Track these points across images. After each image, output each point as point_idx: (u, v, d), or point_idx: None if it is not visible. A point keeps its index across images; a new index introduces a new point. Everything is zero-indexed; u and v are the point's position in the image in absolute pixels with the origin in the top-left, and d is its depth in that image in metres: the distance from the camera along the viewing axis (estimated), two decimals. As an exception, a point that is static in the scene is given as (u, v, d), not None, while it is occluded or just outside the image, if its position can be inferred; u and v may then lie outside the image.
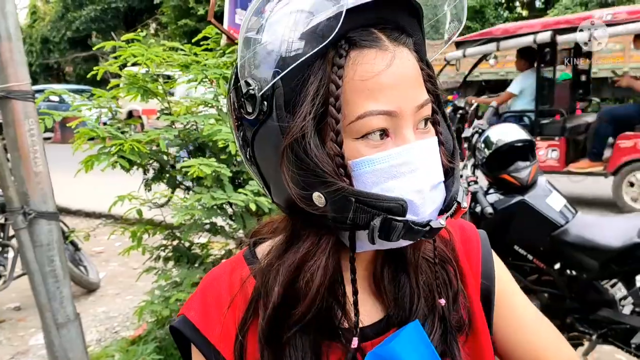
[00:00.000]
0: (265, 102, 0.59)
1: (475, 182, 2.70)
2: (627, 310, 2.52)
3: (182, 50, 2.64)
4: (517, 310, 0.80)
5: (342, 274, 0.66)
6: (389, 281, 0.71)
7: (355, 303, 0.65)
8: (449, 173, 0.66)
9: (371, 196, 0.58)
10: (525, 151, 2.67)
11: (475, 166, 2.85)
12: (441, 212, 0.65)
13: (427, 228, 0.60)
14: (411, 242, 0.63)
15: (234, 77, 0.65)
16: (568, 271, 2.62)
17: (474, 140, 2.88)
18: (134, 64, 2.44)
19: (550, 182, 2.72)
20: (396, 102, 0.59)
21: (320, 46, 0.56)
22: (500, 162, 2.67)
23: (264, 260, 0.69)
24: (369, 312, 0.70)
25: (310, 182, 0.58)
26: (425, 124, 0.64)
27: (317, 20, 0.56)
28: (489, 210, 2.45)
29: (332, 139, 0.58)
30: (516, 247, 2.68)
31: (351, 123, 0.59)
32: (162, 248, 2.88)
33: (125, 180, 2.76)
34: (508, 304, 0.79)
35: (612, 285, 2.56)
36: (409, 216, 0.59)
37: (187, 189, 2.83)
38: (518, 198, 2.61)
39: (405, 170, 0.60)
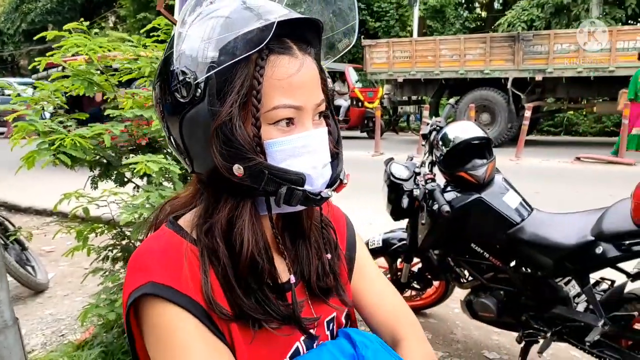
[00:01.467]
0: (199, 89, 0.73)
1: (433, 180, 2.67)
2: (580, 307, 2.54)
3: (129, 41, 2.51)
4: (368, 275, 1.05)
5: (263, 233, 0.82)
6: (289, 243, 0.92)
7: (283, 251, 0.88)
8: (334, 157, 0.87)
9: (280, 170, 0.76)
10: (482, 149, 2.65)
11: (432, 163, 2.82)
12: (328, 186, 0.84)
13: (319, 197, 0.80)
14: (305, 207, 0.82)
15: (162, 66, 0.80)
16: (523, 269, 2.61)
17: (431, 137, 2.85)
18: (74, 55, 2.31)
19: (507, 179, 2.71)
20: (302, 99, 0.77)
21: (255, 50, 0.72)
22: (457, 159, 2.65)
23: (194, 225, 0.83)
24: (281, 270, 0.86)
25: (233, 156, 0.74)
26: (319, 117, 0.83)
27: (252, 27, 0.72)
28: (446, 208, 2.41)
29: (253, 123, 0.75)
30: (473, 245, 2.66)
31: (267, 112, 0.76)
32: (110, 248, 2.75)
33: (78, 176, 2.62)
34: (362, 271, 1.05)
35: (566, 283, 2.57)
36: (306, 187, 0.78)
37: (137, 186, 2.72)
38: (475, 196, 2.59)
39: (305, 151, 0.79)
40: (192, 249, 0.81)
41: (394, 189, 2.83)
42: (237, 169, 0.74)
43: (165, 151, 2.63)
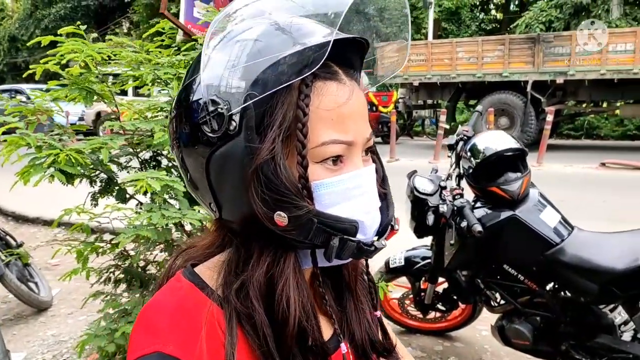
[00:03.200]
0: (233, 122, 0.61)
1: (461, 195, 2.44)
2: (627, 336, 2.30)
3: (131, 46, 2.32)
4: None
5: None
6: (333, 298, 0.77)
7: (330, 313, 0.72)
8: (382, 198, 0.74)
9: (331, 217, 0.64)
10: (515, 161, 2.42)
11: (460, 177, 2.59)
12: (378, 234, 0.71)
13: (373, 248, 0.68)
14: (353, 259, 0.70)
15: (183, 94, 0.67)
16: (562, 293, 2.37)
17: (458, 148, 2.62)
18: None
19: (544, 194, 2.47)
20: (353, 133, 0.65)
21: (305, 75, 0.61)
22: (488, 173, 2.42)
23: (220, 282, 0.68)
24: (324, 328, 0.71)
25: (276, 202, 0.61)
26: (367, 153, 0.71)
27: (298, 47, 0.61)
28: (478, 228, 2.18)
29: (299, 162, 0.63)
30: (505, 266, 2.43)
31: (314, 148, 0.63)
32: (112, 269, 2.56)
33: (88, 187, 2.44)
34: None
35: (612, 310, 2.32)
36: (359, 236, 0.66)
37: (140, 203, 2.52)
38: (509, 213, 2.35)
39: (357, 193, 0.67)
40: (217, 312, 0.65)
41: (418, 204, 2.60)
42: (280, 218, 0.62)
43: (168, 165, 2.43)
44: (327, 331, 0.73)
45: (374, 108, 14.39)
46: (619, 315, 2.31)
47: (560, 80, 10.85)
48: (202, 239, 0.78)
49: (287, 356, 0.64)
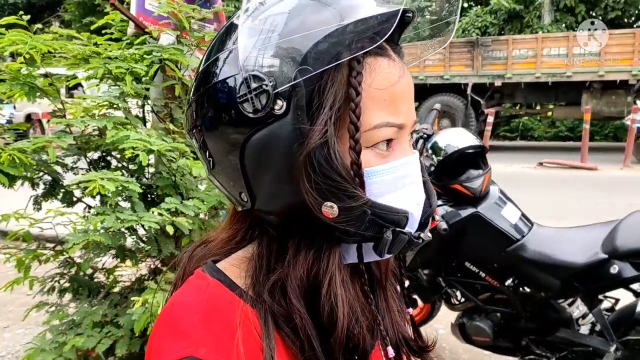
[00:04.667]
0: (279, 101, 0.54)
1: (424, 194, 2.42)
2: (585, 330, 2.34)
3: (78, 39, 2.17)
4: None
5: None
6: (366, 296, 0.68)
7: (375, 315, 0.64)
8: (423, 187, 0.67)
9: (385, 208, 0.58)
10: (476, 158, 2.43)
11: (421, 175, 2.57)
12: (420, 225, 0.65)
13: (420, 240, 0.62)
14: (405, 252, 0.64)
15: (209, 70, 0.60)
16: (522, 289, 2.40)
17: (418, 146, 2.61)
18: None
19: (504, 191, 2.50)
20: (405, 115, 0.60)
21: (371, 47, 0.55)
22: (450, 170, 2.41)
23: (251, 279, 0.61)
24: None
25: (328, 192, 0.56)
26: (412, 137, 0.65)
27: (362, 16, 0.55)
28: (444, 225, 2.17)
29: (351, 147, 0.56)
30: (467, 264, 2.43)
31: (366, 131, 0.57)
32: (57, 278, 2.38)
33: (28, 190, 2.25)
34: None
35: (570, 304, 2.36)
36: (407, 228, 0.61)
37: (88, 206, 2.36)
38: (471, 210, 2.36)
39: (407, 182, 0.61)
40: (250, 313, 0.58)
41: (380, 203, 2.57)
42: (328, 209, 0.56)
43: (118, 166, 2.29)
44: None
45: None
46: (577, 309, 2.35)
47: (498, 82, 11.22)
48: (220, 232, 0.70)
49: None
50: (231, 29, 0.61)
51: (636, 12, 17.09)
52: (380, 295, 0.72)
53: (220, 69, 0.59)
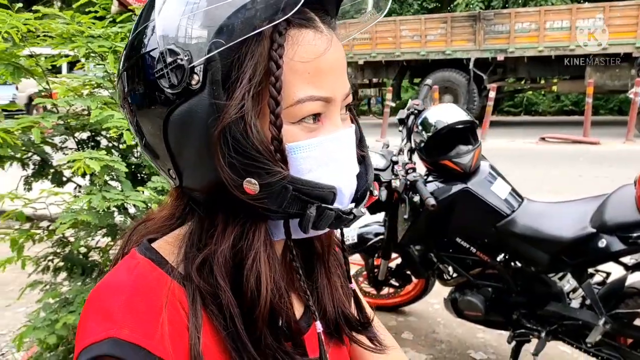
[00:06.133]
0: (195, 76, 0.53)
1: (414, 170, 2.42)
2: (575, 304, 2.34)
3: (61, 17, 2.15)
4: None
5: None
6: (305, 272, 0.69)
7: (304, 290, 0.64)
8: (361, 161, 0.67)
9: (308, 184, 0.57)
10: (466, 134, 2.42)
11: (412, 151, 2.56)
12: (355, 201, 0.64)
13: (352, 216, 0.61)
14: (328, 230, 0.62)
15: (133, 45, 0.58)
16: (513, 263, 2.41)
17: (409, 122, 2.59)
18: None
19: (494, 166, 2.48)
20: (332, 88, 0.58)
21: (280, 20, 0.53)
22: (440, 146, 2.40)
23: (181, 256, 0.60)
24: (294, 305, 0.66)
25: (246, 168, 0.55)
26: (346, 111, 0.64)
27: None
28: (432, 201, 2.17)
29: (272, 122, 0.55)
30: (458, 239, 2.44)
31: (289, 107, 0.56)
32: (51, 257, 2.40)
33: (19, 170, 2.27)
34: None
35: (560, 278, 2.36)
36: (336, 204, 0.60)
37: (79, 186, 2.37)
38: (461, 186, 2.35)
39: (335, 157, 0.60)
40: (178, 291, 0.58)
41: (371, 180, 2.56)
42: (250, 185, 0.55)
43: (108, 146, 2.29)
44: (299, 309, 0.68)
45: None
46: (568, 283, 2.35)
47: (500, 57, 11.08)
48: (161, 210, 0.70)
49: (257, 337, 0.58)
50: None
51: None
52: (321, 271, 0.71)
53: (142, 43, 0.57)
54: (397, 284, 3.06)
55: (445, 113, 2.45)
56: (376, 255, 2.96)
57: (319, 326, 0.63)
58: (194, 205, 0.63)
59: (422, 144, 2.45)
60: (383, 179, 2.52)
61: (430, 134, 2.40)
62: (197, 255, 0.59)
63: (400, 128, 2.67)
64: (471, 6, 16.29)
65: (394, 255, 2.87)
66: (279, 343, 0.60)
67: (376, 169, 2.55)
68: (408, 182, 2.36)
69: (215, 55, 0.53)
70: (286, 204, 0.56)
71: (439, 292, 3.10)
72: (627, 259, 2.23)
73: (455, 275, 2.60)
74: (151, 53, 0.55)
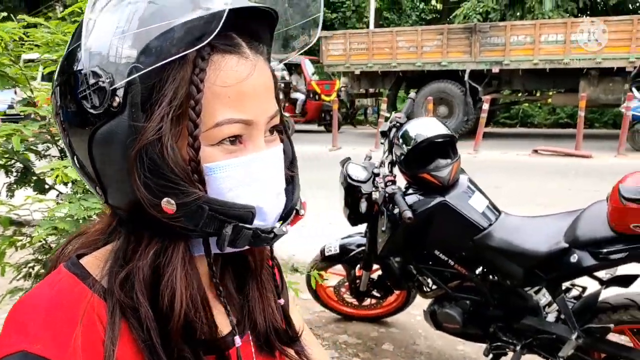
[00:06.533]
0: (117, 98, 0.55)
1: (394, 182, 2.45)
2: (551, 317, 2.37)
3: (46, 27, 2.18)
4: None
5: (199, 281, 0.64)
6: (235, 287, 0.72)
7: (225, 305, 0.66)
8: (289, 181, 0.70)
9: (224, 204, 0.59)
10: (446, 147, 2.45)
11: (392, 164, 2.59)
12: (281, 219, 0.67)
13: (272, 235, 0.64)
14: (255, 247, 0.65)
15: (65, 63, 0.60)
16: (491, 277, 2.43)
17: (391, 135, 2.62)
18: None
19: (472, 180, 2.51)
20: (253, 111, 0.60)
21: (198, 46, 0.55)
22: (419, 159, 2.43)
23: (106, 271, 0.62)
24: (220, 320, 0.66)
25: (162, 188, 0.57)
26: (272, 132, 0.66)
27: (192, 16, 0.55)
28: (409, 214, 2.19)
29: (190, 144, 0.57)
30: (436, 252, 2.46)
31: (208, 130, 0.58)
32: (32, 264, 2.42)
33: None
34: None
35: (537, 292, 2.39)
36: (257, 222, 0.62)
37: (60, 193, 2.39)
38: (439, 199, 2.38)
39: (257, 177, 0.62)
40: (98, 304, 0.59)
41: (351, 191, 2.60)
42: (168, 204, 0.57)
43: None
44: (227, 323, 0.69)
45: (317, 97, 14.36)
46: (544, 297, 2.38)
47: (496, 69, 11.15)
48: (94, 225, 0.71)
49: (172, 350, 0.60)
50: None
51: (640, -2, 16.91)
52: (253, 285, 0.73)
53: (71, 61, 0.59)
54: (378, 295, 3.09)
55: (425, 127, 2.48)
56: (358, 266, 2.99)
57: (237, 341, 0.65)
58: (120, 222, 0.65)
59: (402, 157, 2.47)
60: (364, 191, 2.56)
61: (410, 147, 2.43)
62: (121, 270, 0.61)
63: (382, 140, 2.71)
64: (469, 18, 16.42)
65: (375, 266, 2.89)
66: (197, 356, 0.61)
67: (357, 181, 2.59)
68: (387, 195, 2.39)
69: (136, 78, 0.55)
70: (203, 223, 0.58)
71: (421, 303, 3.12)
72: (602, 274, 2.25)
73: (434, 287, 2.62)
74: (77, 73, 0.57)
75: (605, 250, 2.02)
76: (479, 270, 2.46)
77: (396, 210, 2.41)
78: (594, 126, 13.65)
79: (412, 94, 3.05)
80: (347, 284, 3.12)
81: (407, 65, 12.16)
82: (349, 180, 2.58)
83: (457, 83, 11.55)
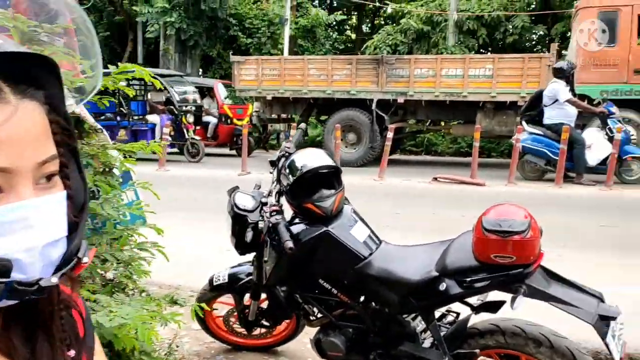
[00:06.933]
0: None
1: (278, 212, 2.47)
2: (427, 343, 2.46)
3: None
4: None
5: None
6: (21, 339, 0.67)
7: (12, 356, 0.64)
8: (73, 228, 0.66)
9: None
10: (330, 178, 2.52)
11: (280, 193, 2.63)
12: (59, 268, 0.64)
13: (36, 287, 0.60)
14: (17, 301, 0.61)
15: None
16: (372, 304, 2.50)
17: (280, 164, 2.66)
18: None
19: (356, 210, 2.59)
20: (12, 158, 0.58)
21: None
22: (305, 189, 2.48)
23: None
24: None
25: None
26: (50, 179, 0.63)
27: None
28: (290, 244, 2.23)
29: None
30: (321, 281, 2.51)
31: None
32: None
33: None
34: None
35: (414, 318, 2.49)
36: (16, 275, 0.59)
37: None
38: (322, 229, 2.43)
39: (17, 228, 0.58)
40: None
41: (239, 220, 2.60)
42: None
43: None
44: None
45: (229, 121, 14.29)
46: (420, 323, 2.48)
47: (401, 99, 11.63)
48: None
49: None
50: None
51: (533, 36, 18.33)
52: (41, 338, 0.70)
53: None
54: (268, 324, 3.08)
55: (311, 157, 2.54)
56: (247, 295, 2.97)
57: None
58: None
59: (288, 187, 2.52)
60: (250, 220, 2.57)
61: (295, 177, 2.48)
62: None
63: (272, 170, 2.74)
64: (379, 50, 17.09)
65: (264, 295, 2.89)
66: None
67: (245, 210, 2.59)
68: (270, 224, 2.41)
69: None
70: None
71: (312, 332, 3.14)
72: (474, 300, 2.39)
73: (319, 315, 2.66)
74: None
75: (469, 278, 2.14)
76: (361, 299, 2.53)
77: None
78: (491, 155, 14.52)
79: (302, 125, 3.13)
80: (236, 313, 3.09)
81: (318, 92, 12.41)
82: (235, 209, 2.59)
83: (365, 111, 11.92)
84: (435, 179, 9.42)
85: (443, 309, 2.53)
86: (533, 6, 17.96)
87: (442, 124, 13.28)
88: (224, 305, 3.17)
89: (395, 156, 13.95)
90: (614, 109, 8.96)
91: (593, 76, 9.91)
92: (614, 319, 2.01)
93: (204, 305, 2.48)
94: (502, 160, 13.55)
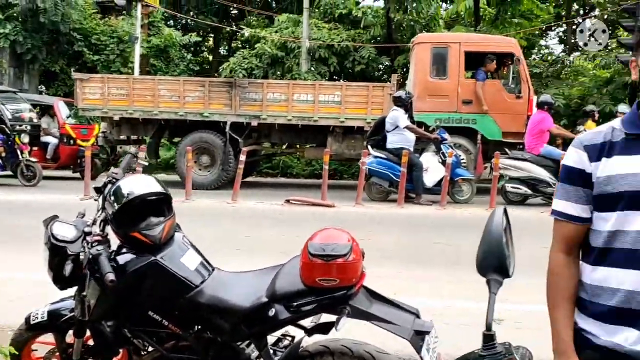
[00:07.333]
0: None
1: (101, 242, 2.32)
2: (262, 369, 2.45)
3: None
4: None
5: None
6: None
7: None
8: None
9: None
10: (161, 205, 2.42)
11: (105, 222, 2.47)
12: None
13: None
14: None
15: None
16: (206, 334, 2.43)
17: (105, 191, 2.51)
18: None
19: (187, 237, 2.52)
20: None
21: None
22: (131, 217, 2.36)
23: None
24: None
25: None
26: None
27: None
28: (111, 277, 2.10)
29: None
30: (150, 313, 2.39)
31: None
32: None
33: None
34: None
35: (248, 345, 2.46)
36: None
37: None
38: (150, 258, 2.32)
39: None
40: None
41: (57, 252, 2.40)
42: None
43: None
44: None
45: (72, 141, 13.30)
46: (254, 350, 2.45)
47: (254, 123, 11.71)
48: None
49: None
50: None
51: (380, 66, 19.50)
52: None
53: None
54: (96, 363, 2.86)
55: (139, 184, 2.44)
56: (70, 333, 2.74)
57: None
58: None
59: (113, 215, 2.38)
60: (70, 252, 2.39)
61: (120, 205, 2.35)
62: None
63: (97, 197, 2.58)
64: (235, 73, 17.09)
65: (89, 332, 2.68)
66: None
67: (64, 241, 2.41)
68: (91, 256, 2.25)
69: None
70: None
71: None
72: (308, 322, 2.42)
73: (150, 349, 2.52)
74: None
75: (296, 303, 2.17)
76: (195, 328, 2.45)
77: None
78: (343, 177, 15.13)
79: (133, 149, 3.00)
80: (57, 353, 2.83)
81: (170, 113, 12.05)
82: (52, 240, 2.38)
83: (219, 134, 11.80)
84: (288, 201, 9.56)
85: (278, 334, 2.53)
86: (379, 38, 19.13)
87: (297, 146, 13.60)
88: (43, 345, 2.88)
89: (251, 179, 13.97)
90: (446, 135, 9.88)
91: (428, 105, 10.85)
92: (428, 333, 2.15)
93: (12, 348, 2.23)
94: (352, 182, 14.13)
